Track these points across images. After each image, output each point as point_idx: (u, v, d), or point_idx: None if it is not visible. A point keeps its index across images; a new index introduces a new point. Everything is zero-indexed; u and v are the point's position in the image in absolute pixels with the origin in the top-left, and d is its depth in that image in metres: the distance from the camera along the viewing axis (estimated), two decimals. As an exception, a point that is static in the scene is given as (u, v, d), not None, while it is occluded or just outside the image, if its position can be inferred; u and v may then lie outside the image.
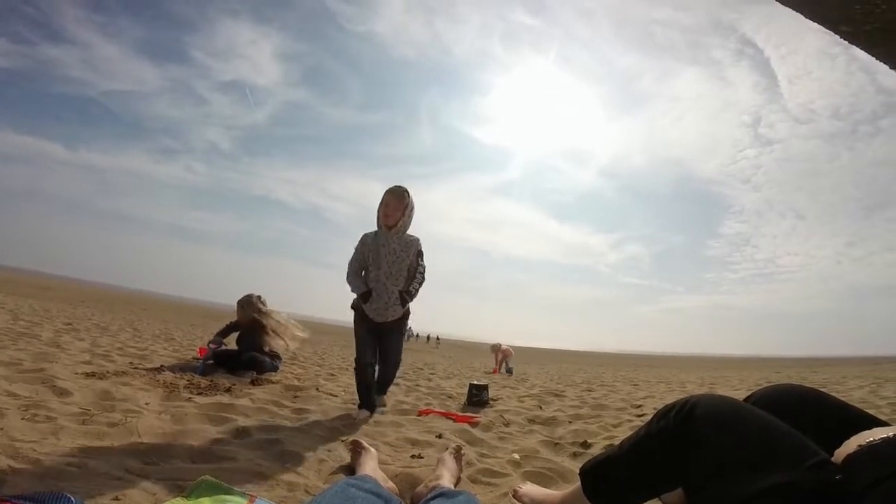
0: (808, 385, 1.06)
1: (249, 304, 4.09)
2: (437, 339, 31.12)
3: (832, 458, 0.77)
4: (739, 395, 1.05)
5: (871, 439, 0.75)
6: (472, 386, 3.72)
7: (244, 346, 4.01)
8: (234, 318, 4.22)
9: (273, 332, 4.05)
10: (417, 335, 32.01)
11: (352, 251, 2.82)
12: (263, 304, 4.16)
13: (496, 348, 10.92)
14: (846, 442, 0.79)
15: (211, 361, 3.82)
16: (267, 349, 4.04)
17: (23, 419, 1.73)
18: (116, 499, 1.16)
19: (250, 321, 4.05)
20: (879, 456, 0.72)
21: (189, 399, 2.53)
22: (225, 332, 4.16)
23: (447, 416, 2.94)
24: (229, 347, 4.12)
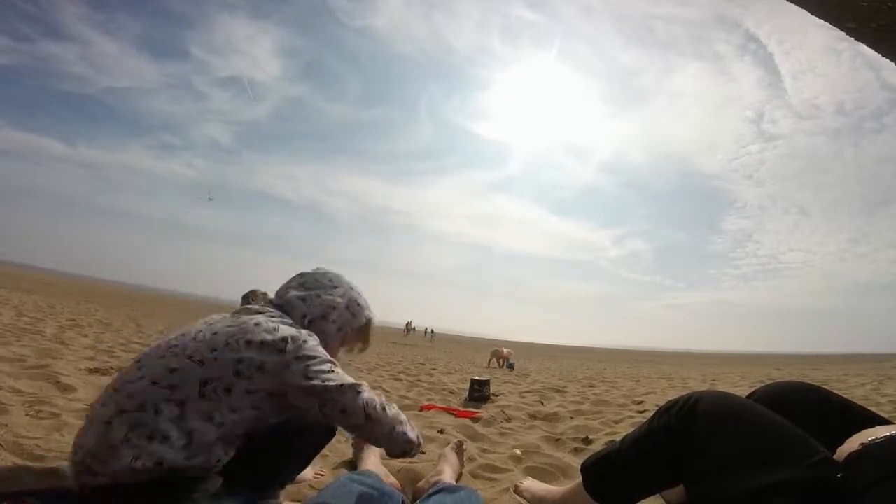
0: (810, 382, 1.06)
1: (254, 299, 4.12)
2: (432, 331, 31.40)
3: (834, 456, 0.77)
4: (741, 391, 1.05)
5: (874, 437, 0.75)
6: (473, 381, 3.73)
7: None
8: None
9: None
10: (415, 328, 32.25)
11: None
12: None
13: (496, 353, 10.96)
14: (848, 440, 0.79)
15: None
16: None
17: (27, 415, 1.74)
18: (121, 494, 1.17)
19: None
20: (881, 454, 0.72)
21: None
22: None
23: (449, 411, 2.95)
24: None
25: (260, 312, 1.11)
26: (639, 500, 1.03)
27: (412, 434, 1.10)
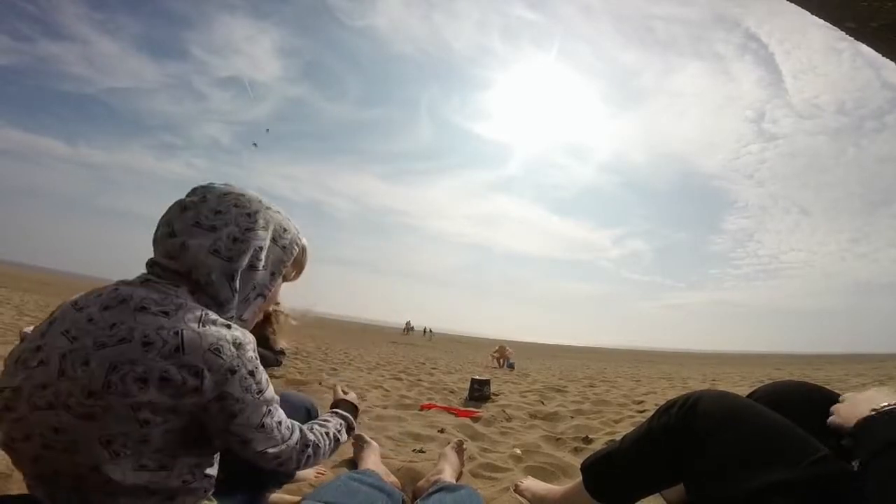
0: (811, 382, 1.06)
1: None
2: (430, 331, 31.69)
3: (840, 421, 0.78)
4: (741, 391, 1.05)
5: (886, 404, 0.75)
6: (473, 381, 3.73)
7: None
8: None
9: (277, 326, 4.07)
10: (413, 328, 32.46)
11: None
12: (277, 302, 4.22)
13: (501, 351, 11.01)
14: (852, 403, 0.80)
15: None
16: (270, 343, 4.06)
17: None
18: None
19: (265, 316, 4.09)
20: (892, 421, 0.72)
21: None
22: None
23: (449, 410, 2.96)
24: None
25: (146, 297, 0.72)
26: (639, 500, 1.03)
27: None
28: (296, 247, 0.93)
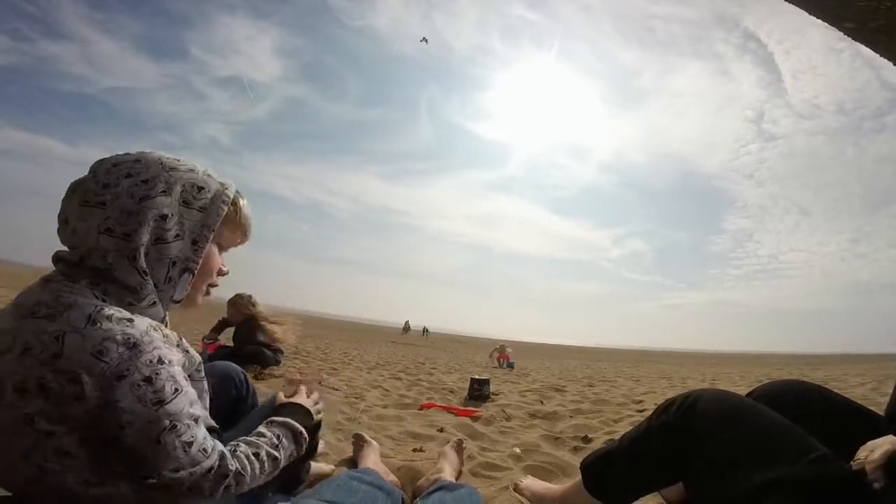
0: (809, 381, 1.06)
1: (240, 303, 4.04)
2: (427, 330, 31.93)
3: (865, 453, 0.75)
4: (740, 390, 1.05)
5: None
6: (473, 380, 3.73)
7: (241, 341, 4.01)
8: (225, 316, 4.21)
9: (269, 322, 3.97)
10: (411, 328, 32.57)
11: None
12: (254, 303, 4.09)
13: (502, 350, 11.02)
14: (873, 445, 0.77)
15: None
16: (267, 340, 4.01)
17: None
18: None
19: (243, 318, 4.03)
20: None
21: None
22: (219, 329, 4.20)
23: (449, 410, 2.96)
24: (224, 343, 4.14)
25: (38, 301, 0.63)
26: (638, 498, 1.03)
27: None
28: (222, 206, 0.79)
